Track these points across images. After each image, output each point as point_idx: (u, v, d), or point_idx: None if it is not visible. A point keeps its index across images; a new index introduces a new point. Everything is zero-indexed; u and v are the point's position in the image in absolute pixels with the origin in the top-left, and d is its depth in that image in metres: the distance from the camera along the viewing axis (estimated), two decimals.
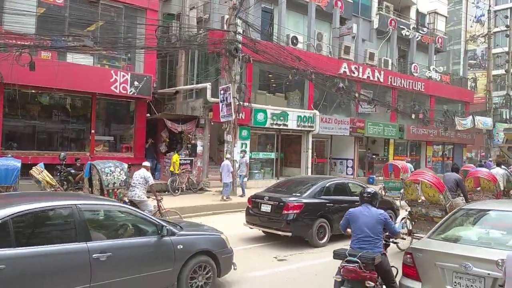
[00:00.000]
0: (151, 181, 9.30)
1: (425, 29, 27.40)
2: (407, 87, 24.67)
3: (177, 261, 5.32)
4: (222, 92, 14.73)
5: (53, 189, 9.10)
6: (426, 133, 25.62)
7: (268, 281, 6.53)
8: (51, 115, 15.62)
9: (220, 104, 14.81)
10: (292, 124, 18.86)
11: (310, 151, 19.94)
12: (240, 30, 15.01)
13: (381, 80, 23.08)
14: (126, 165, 9.38)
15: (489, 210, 5.46)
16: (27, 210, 4.39)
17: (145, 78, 15.91)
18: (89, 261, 4.51)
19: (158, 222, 5.39)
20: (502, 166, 14.19)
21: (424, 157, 26.44)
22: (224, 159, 14.65)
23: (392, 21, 24.72)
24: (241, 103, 15.13)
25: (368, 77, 22.43)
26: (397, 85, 24.05)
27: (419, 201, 8.48)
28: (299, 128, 19.27)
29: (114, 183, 8.44)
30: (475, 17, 42.18)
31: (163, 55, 18.82)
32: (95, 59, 15.70)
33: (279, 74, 18.53)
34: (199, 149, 16.94)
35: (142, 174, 9.19)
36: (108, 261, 4.64)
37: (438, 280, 4.39)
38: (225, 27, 15.29)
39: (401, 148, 25.66)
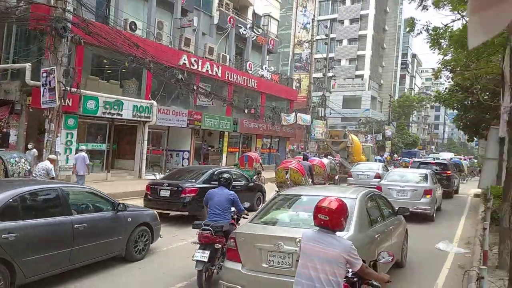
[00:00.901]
0: (52, 173, 10.14)
1: (260, 30, 29.44)
2: (242, 83, 26.19)
3: (128, 230, 6.88)
4: (44, 74, 13.02)
5: None
6: (257, 127, 27.68)
7: None
8: None
9: (42, 88, 13.06)
10: (127, 114, 17.94)
11: (146, 142, 19.35)
12: (70, 8, 13.54)
13: (219, 74, 23.93)
14: (29, 156, 10.41)
15: (301, 195, 6.20)
16: (30, 190, 5.62)
17: None
18: (72, 230, 5.80)
19: (114, 200, 6.84)
20: (329, 157, 19.19)
21: (254, 149, 28.44)
22: (79, 151, 13.76)
23: (231, 19, 25.79)
24: (68, 88, 13.67)
25: (207, 70, 22.98)
26: (233, 80, 25.30)
27: (288, 182, 11.05)
28: (135, 119, 18.47)
29: (19, 172, 9.24)
30: (303, 24, 47.11)
31: None
32: None
33: (115, 60, 17.31)
34: (13, 138, 14.69)
35: (45, 166, 9.90)
36: (84, 230, 5.97)
37: (256, 259, 4.77)
38: (52, 2, 13.56)
39: (235, 141, 27.15)
